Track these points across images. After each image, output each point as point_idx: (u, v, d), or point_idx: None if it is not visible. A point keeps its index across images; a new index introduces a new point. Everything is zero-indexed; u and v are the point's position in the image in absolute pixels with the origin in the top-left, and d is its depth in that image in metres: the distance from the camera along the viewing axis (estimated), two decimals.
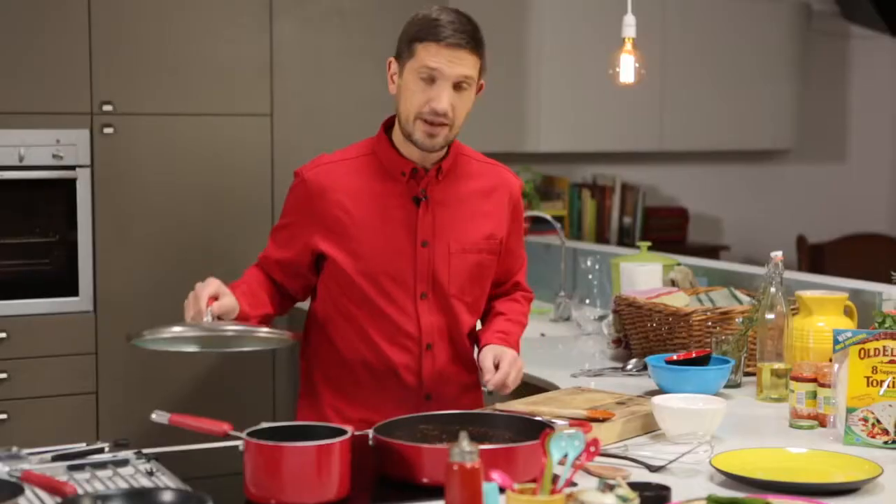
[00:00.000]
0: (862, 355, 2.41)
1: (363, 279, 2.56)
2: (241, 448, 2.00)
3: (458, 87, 2.48)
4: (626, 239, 5.95)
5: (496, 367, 2.54)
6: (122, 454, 2.18)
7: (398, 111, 2.55)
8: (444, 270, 2.60)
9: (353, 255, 2.56)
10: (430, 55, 2.46)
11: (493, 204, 2.66)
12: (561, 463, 1.78)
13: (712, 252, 6.01)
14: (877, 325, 2.67)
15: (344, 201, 2.56)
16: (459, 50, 2.46)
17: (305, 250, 2.61)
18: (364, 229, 2.55)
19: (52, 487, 1.87)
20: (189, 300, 2.41)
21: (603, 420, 2.39)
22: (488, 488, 1.71)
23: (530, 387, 3.05)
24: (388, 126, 2.63)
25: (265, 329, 2.40)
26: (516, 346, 2.67)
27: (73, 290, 4.12)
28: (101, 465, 2.11)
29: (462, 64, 2.46)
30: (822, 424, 2.54)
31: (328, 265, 2.59)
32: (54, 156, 4.06)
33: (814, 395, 2.55)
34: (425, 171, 2.58)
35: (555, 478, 1.74)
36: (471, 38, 2.48)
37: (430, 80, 2.47)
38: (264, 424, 2.06)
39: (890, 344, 2.39)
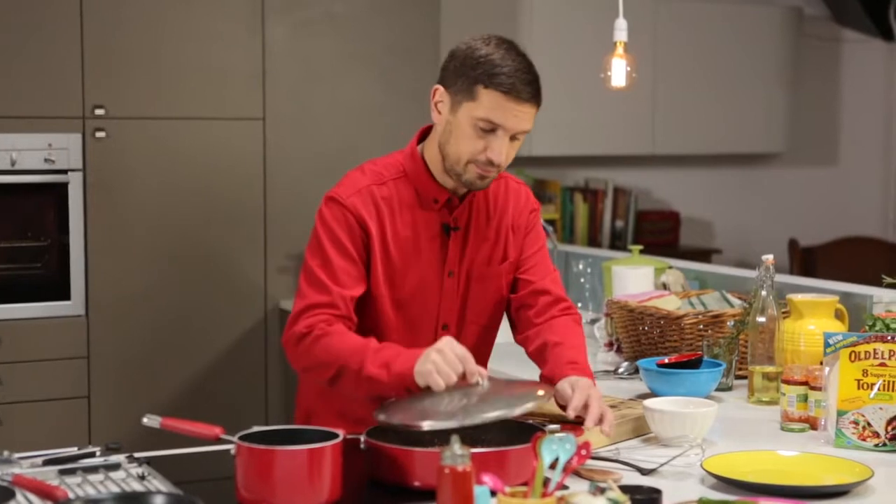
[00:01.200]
0: (852, 358, 2.42)
1: (393, 311, 2.48)
2: (232, 452, 1.99)
3: (513, 137, 2.39)
4: (618, 242, 5.96)
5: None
6: (114, 458, 2.17)
7: (445, 149, 2.42)
8: (465, 299, 2.54)
9: (391, 287, 2.47)
10: (494, 106, 2.34)
11: (509, 226, 2.59)
12: (552, 466, 1.78)
13: (704, 255, 6.02)
14: (867, 327, 2.68)
15: (382, 231, 2.45)
16: (524, 104, 2.35)
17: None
18: (398, 260, 2.46)
19: (42, 492, 1.86)
20: (446, 360, 2.20)
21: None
22: (480, 492, 1.71)
23: None
24: (421, 138, 2.52)
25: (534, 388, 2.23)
26: (590, 374, 2.46)
27: (65, 294, 4.11)
28: (93, 469, 2.11)
29: (524, 118, 2.36)
30: (813, 427, 2.54)
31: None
32: (46, 160, 4.05)
33: (804, 398, 2.56)
34: (459, 200, 2.51)
35: (546, 481, 1.75)
36: (535, 89, 2.37)
37: (491, 130, 2.37)
38: (256, 428, 2.06)
39: (880, 347, 2.40)
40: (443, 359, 2.20)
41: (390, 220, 2.46)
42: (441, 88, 2.42)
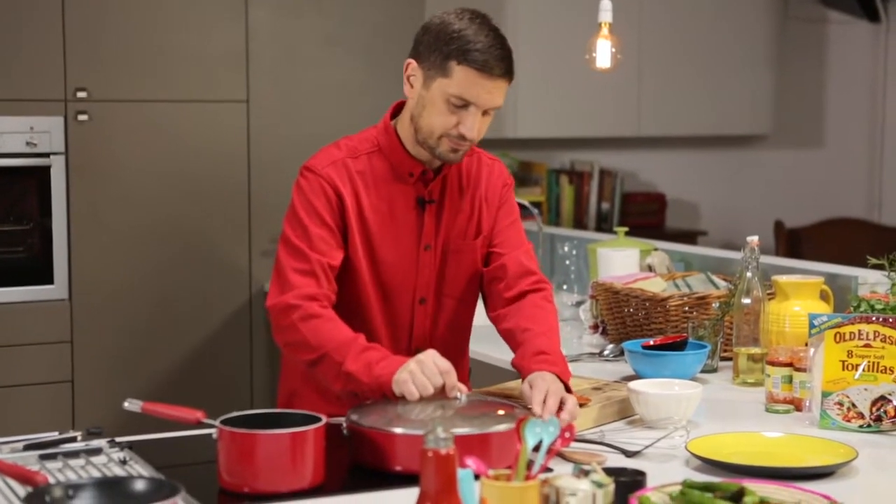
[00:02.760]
0: (837, 339, 2.41)
1: (369, 285, 2.49)
2: (214, 436, 1.98)
3: (485, 112, 2.41)
4: (604, 224, 5.95)
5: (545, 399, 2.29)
6: (95, 443, 2.16)
7: (418, 122, 2.43)
8: (442, 273, 2.55)
9: (369, 260, 2.48)
10: (468, 83, 2.36)
11: (482, 199, 2.60)
12: (536, 449, 1.77)
13: (690, 237, 6.02)
14: (852, 308, 2.68)
15: (358, 203, 2.46)
16: (497, 80, 2.37)
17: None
18: (375, 233, 2.48)
19: (22, 477, 1.85)
20: (425, 371, 2.21)
21: (579, 405, 2.39)
22: (463, 475, 1.70)
23: (507, 373, 3.05)
24: (394, 114, 2.54)
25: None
26: (562, 364, 2.42)
27: (48, 277, 4.09)
28: (74, 454, 2.09)
29: (497, 94, 2.38)
30: (798, 408, 2.54)
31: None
32: (28, 143, 4.03)
33: (789, 380, 2.56)
34: (433, 174, 2.52)
35: (530, 464, 1.74)
36: (509, 64, 2.38)
37: (464, 105, 2.38)
38: (237, 412, 2.05)
39: (865, 328, 2.40)
40: (421, 369, 2.21)
41: (366, 194, 2.48)
42: (413, 63, 2.45)
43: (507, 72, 2.39)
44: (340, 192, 2.45)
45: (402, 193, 2.50)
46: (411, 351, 2.54)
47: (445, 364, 2.23)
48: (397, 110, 2.55)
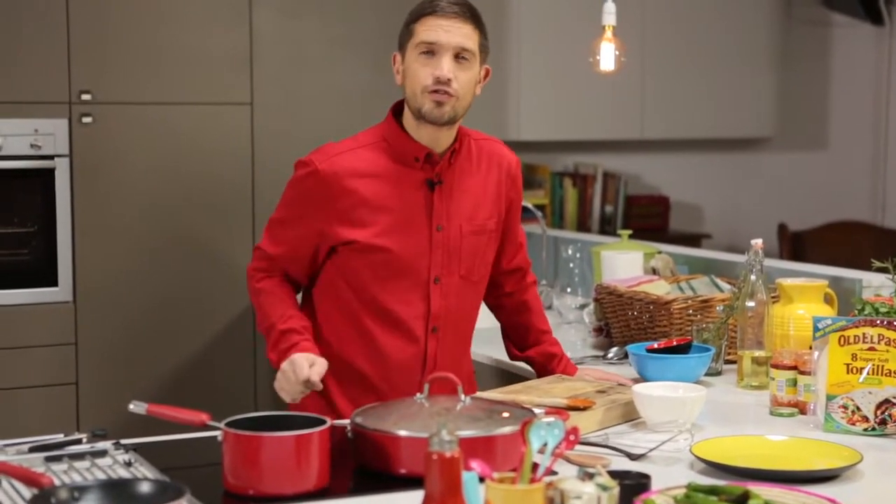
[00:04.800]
0: (842, 342, 2.41)
1: (380, 267, 2.56)
2: (219, 438, 1.99)
3: (458, 59, 2.52)
4: (607, 227, 5.95)
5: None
6: (100, 445, 2.17)
7: (406, 95, 2.57)
8: (456, 253, 2.62)
9: (381, 243, 2.55)
10: (425, 28, 2.52)
11: (494, 183, 2.70)
12: (541, 452, 1.78)
13: (694, 240, 6.01)
14: (856, 312, 2.68)
15: (360, 190, 2.55)
16: (455, 19, 2.51)
17: (315, 240, 2.60)
18: (382, 216, 2.56)
19: (28, 479, 1.85)
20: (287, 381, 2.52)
21: (583, 408, 2.39)
22: (468, 477, 1.71)
23: (511, 375, 3.05)
24: (396, 112, 2.64)
25: None
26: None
27: (52, 280, 4.09)
28: (79, 456, 2.10)
29: (459, 33, 2.51)
30: (803, 412, 2.54)
31: (342, 254, 2.58)
32: (32, 145, 4.03)
33: (794, 383, 2.56)
34: (439, 156, 2.59)
35: (534, 466, 1.74)
36: (467, 9, 2.54)
37: (431, 53, 2.51)
38: (242, 415, 2.05)
39: (869, 331, 2.40)
40: (285, 379, 2.51)
41: (372, 182, 2.56)
42: (396, 54, 2.60)
43: (466, 14, 2.53)
44: (339, 182, 2.55)
45: (411, 177, 2.58)
46: (428, 330, 2.62)
47: (306, 373, 2.45)
48: (399, 108, 2.65)
